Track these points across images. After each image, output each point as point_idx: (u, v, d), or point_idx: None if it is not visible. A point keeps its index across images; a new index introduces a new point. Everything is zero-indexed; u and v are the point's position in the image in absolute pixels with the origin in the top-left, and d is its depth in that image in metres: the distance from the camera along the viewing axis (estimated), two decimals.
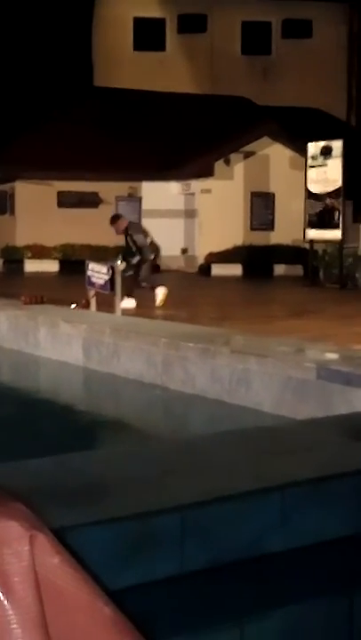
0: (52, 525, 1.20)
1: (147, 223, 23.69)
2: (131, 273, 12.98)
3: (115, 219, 13.99)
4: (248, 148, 23.46)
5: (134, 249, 13.37)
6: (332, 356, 6.15)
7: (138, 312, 11.52)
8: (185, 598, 2.48)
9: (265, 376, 5.86)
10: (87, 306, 11.29)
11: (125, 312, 11.17)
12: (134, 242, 13.43)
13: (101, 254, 19.54)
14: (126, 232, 13.60)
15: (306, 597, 2.53)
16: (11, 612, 0.97)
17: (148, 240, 13.72)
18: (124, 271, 12.39)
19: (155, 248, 13.94)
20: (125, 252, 13.60)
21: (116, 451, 4.25)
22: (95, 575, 1.16)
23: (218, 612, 2.41)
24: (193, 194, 23.82)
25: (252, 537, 2.74)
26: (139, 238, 13.47)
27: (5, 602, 0.97)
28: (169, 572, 2.55)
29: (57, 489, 2.74)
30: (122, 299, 11.67)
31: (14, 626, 0.97)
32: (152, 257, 13.73)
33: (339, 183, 18.82)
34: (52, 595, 1.00)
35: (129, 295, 12.93)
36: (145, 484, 2.87)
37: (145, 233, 13.93)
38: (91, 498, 2.67)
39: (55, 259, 22.89)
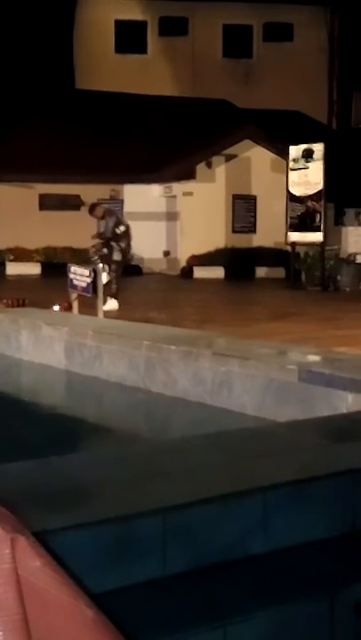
0: (34, 528, 1.20)
1: None
2: (113, 275, 13.01)
3: (93, 206, 14.27)
4: (230, 150, 23.51)
5: (109, 233, 13.52)
6: (314, 358, 6.17)
7: (120, 315, 11.52)
8: (167, 601, 2.48)
9: (247, 378, 5.87)
10: (69, 308, 11.27)
11: (108, 314, 11.16)
12: (106, 227, 13.63)
13: (83, 257, 19.51)
14: (104, 216, 13.78)
15: (288, 599, 2.54)
16: None
17: (122, 228, 13.82)
18: (112, 269, 12.45)
19: (128, 237, 13.98)
20: (99, 235, 13.72)
21: (98, 453, 4.24)
22: (77, 578, 1.16)
23: (200, 614, 2.41)
24: (175, 196, 23.84)
25: (234, 539, 2.74)
26: (112, 222, 13.70)
27: None
28: (151, 575, 2.55)
29: (38, 492, 2.73)
30: (105, 300, 11.69)
31: None
32: (124, 245, 13.79)
33: (320, 186, 18.90)
34: (33, 597, 1.00)
35: (112, 296, 12.95)
36: (127, 486, 2.87)
37: (120, 220, 14.09)
38: (72, 501, 2.66)
39: (37, 261, 22.84)
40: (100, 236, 13.77)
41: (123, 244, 13.65)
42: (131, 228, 13.98)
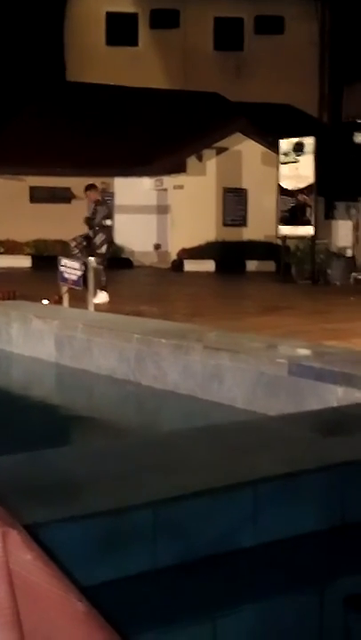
0: (25, 521, 1.21)
1: (119, 219, 23.74)
2: (101, 266, 12.96)
3: (91, 186, 14.19)
4: (220, 144, 23.49)
5: (97, 222, 13.48)
6: (304, 351, 6.19)
7: (110, 308, 11.52)
8: (158, 594, 2.49)
9: (237, 372, 5.88)
10: (60, 301, 11.26)
11: (99, 307, 11.16)
12: (95, 215, 13.55)
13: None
14: (96, 204, 13.69)
15: (277, 592, 2.55)
16: None
17: (109, 222, 13.83)
18: (98, 262, 12.39)
19: (111, 232, 14.01)
20: (87, 220, 13.66)
21: (89, 447, 4.25)
22: (68, 571, 1.17)
23: (190, 607, 2.42)
24: (165, 189, 23.82)
25: (224, 532, 2.75)
26: (103, 212, 13.65)
27: None
28: (142, 568, 2.56)
29: (29, 485, 2.74)
30: (95, 293, 11.67)
31: None
32: (108, 238, 13.79)
33: (311, 179, 18.92)
34: (25, 591, 1.00)
35: (102, 288, 12.93)
36: (117, 479, 2.88)
37: (109, 214, 14.09)
38: (63, 494, 2.67)
39: (27, 254, 22.80)
40: (87, 221, 13.71)
41: (107, 237, 13.65)
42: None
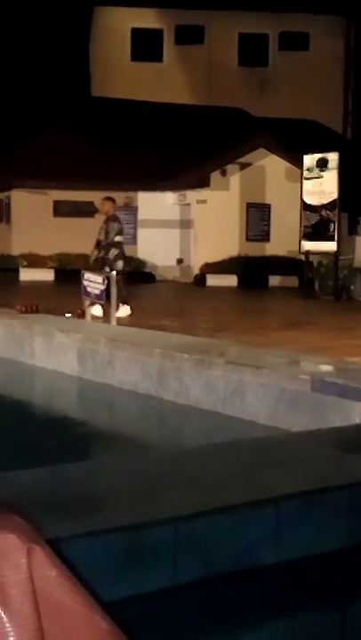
0: (48, 536, 1.21)
1: (143, 233, 23.79)
2: (120, 282, 12.82)
3: (109, 198, 13.91)
4: (244, 159, 23.52)
5: (110, 239, 13.26)
6: (327, 367, 6.16)
7: (132, 322, 11.53)
8: (179, 610, 2.48)
9: (259, 387, 5.87)
10: (82, 315, 11.29)
11: (121, 321, 11.17)
12: (108, 232, 13.34)
13: (97, 264, 19.54)
14: (109, 219, 13.42)
15: (299, 609, 2.54)
16: (8, 625, 0.98)
17: (120, 238, 13.60)
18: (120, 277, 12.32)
19: (122, 248, 13.81)
20: (100, 243, 13.41)
21: (111, 462, 4.25)
22: (89, 586, 1.17)
23: (212, 623, 2.41)
24: (189, 204, 23.86)
25: (245, 549, 2.74)
26: (114, 229, 13.43)
27: (3, 614, 0.98)
28: (163, 584, 2.55)
29: (52, 500, 2.74)
30: (117, 307, 11.63)
31: (12, 639, 0.97)
32: (122, 255, 13.60)
33: (334, 195, 18.88)
34: (49, 607, 1.00)
35: (124, 302, 12.89)
36: (139, 495, 2.87)
37: (122, 229, 13.83)
38: (85, 509, 2.67)
39: (50, 268, 22.89)
40: (98, 244, 13.49)
41: (120, 251, 13.52)
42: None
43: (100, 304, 11.16)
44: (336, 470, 3.28)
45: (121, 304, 12.35)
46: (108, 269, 12.58)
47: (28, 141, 24.40)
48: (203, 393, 6.34)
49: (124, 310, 12.53)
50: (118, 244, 13.52)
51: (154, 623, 2.36)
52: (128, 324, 10.68)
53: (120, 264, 13.31)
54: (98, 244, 13.49)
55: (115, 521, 2.58)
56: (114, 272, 11.62)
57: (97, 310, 11.78)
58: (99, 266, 13.21)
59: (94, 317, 11.16)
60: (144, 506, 2.75)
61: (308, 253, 19.51)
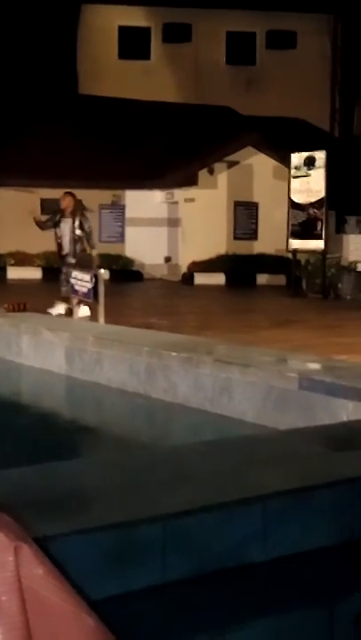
0: (35, 534, 1.21)
1: (130, 231, 23.76)
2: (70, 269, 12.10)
3: (67, 194, 13.20)
4: (232, 157, 23.53)
5: (80, 233, 12.62)
6: (315, 366, 6.18)
7: (120, 320, 11.51)
8: (167, 608, 2.48)
9: (247, 385, 5.87)
10: (70, 314, 11.27)
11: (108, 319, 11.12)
12: (82, 226, 12.63)
13: (84, 262, 19.49)
14: (74, 214, 12.80)
15: (287, 607, 2.54)
16: None
17: (90, 230, 12.97)
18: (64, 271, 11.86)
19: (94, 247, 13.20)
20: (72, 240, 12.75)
21: (99, 460, 4.24)
22: (77, 584, 1.17)
23: (200, 621, 2.41)
24: (176, 202, 23.86)
25: (233, 547, 2.74)
26: (87, 222, 12.79)
27: None
28: (151, 582, 2.55)
29: (38, 498, 2.73)
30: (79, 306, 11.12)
31: None
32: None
33: (322, 193, 18.92)
34: (36, 605, 1.00)
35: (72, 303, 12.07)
36: (127, 493, 2.87)
37: (90, 226, 13.06)
38: (73, 507, 2.67)
39: (38, 266, 22.84)
40: (77, 240, 12.81)
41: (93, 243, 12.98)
42: None
43: (87, 303, 11.05)
44: (324, 468, 3.28)
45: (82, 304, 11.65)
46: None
47: (15, 139, 24.33)
48: (191, 391, 6.34)
49: (85, 311, 11.74)
50: (90, 235, 12.99)
51: (142, 621, 2.36)
52: (116, 323, 10.66)
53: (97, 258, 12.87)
54: (74, 240, 12.80)
55: (102, 519, 2.57)
56: (102, 270, 11.55)
57: (85, 311, 11.43)
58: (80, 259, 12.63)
59: (81, 318, 11.04)
60: (132, 504, 2.75)
61: (295, 252, 19.55)
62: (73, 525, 2.49)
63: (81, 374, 7.59)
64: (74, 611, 1.04)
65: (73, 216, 12.89)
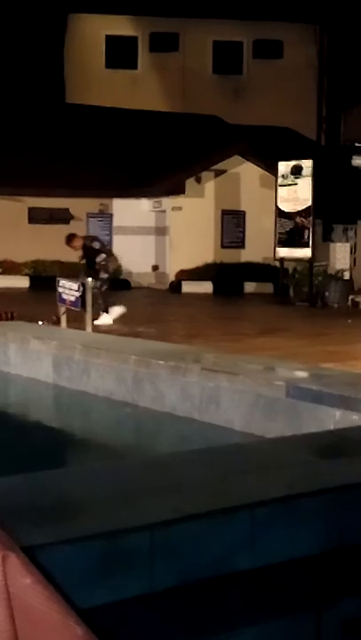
0: (22, 543, 1.21)
1: (118, 240, 23.78)
2: (106, 287, 13.18)
3: (69, 238, 14.19)
4: (219, 166, 23.60)
5: (102, 260, 13.61)
6: (302, 374, 6.19)
7: (108, 329, 11.51)
8: (155, 616, 2.48)
9: (235, 394, 5.88)
10: (58, 322, 11.27)
11: (96, 328, 11.16)
12: (96, 253, 13.68)
13: (72, 271, 19.49)
14: (85, 247, 13.72)
15: (275, 616, 2.55)
16: None
17: (106, 249, 14.10)
18: (97, 286, 12.60)
19: (114, 259, 14.23)
20: (89, 267, 13.71)
21: (86, 468, 4.24)
22: (65, 593, 1.17)
23: (187, 630, 2.42)
24: (164, 211, 23.89)
25: (221, 555, 2.75)
26: (97, 246, 13.84)
27: None
28: (139, 591, 2.55)
29: (26, 507, 2.73)
30: (99, 314, 11.97)
31: None
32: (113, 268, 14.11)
33: (309, 202, 18.99)
34: (23, 614, 1.00)
35: (106, 310, 13.10)
36: (114, 502, 2.87)
37: (103, 245, 14.26)
38: (60, 516, 2.66)
39: (25, 275, 22.81)
40: (103, 267, 13.73)
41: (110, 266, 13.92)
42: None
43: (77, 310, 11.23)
44: (311, 476, 3.29)
45: (103, 312, 12.70)
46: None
47: (2, 148, 24.32)
48: (178, 399, 6.34)
49: (107, 318, 12.90)
50: (109, 258, 13.99)
51: (130, 630, 2.36)
52: (104, 332, 10.67)
53: (104, 274, 13.65)
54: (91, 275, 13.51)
55: (90, 528, 2.57)
56: (89, 279, 11.64)
57: (106, 319, 12.26)
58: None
59: (96, 327, 11.42)
60: (119, 513, 2.75)
61: (282, 260, 19.61)
62: (61, 534, 2.49)
63: (68, 383, 7.58)
64: (62, 620, 1.04)
65: (85, 251, 13.87)
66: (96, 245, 13.87)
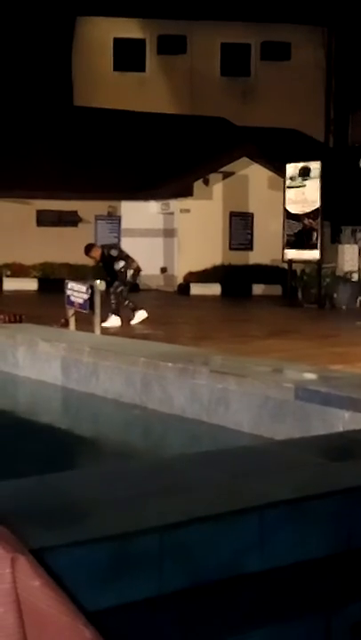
0: (31, 546, 1.21)
1: (126, 242, 23.80)
2: (121, 289, 13.32)
3: (88, 248, 14.37)
4: (227, 168, 23.59)
5: (121, 267, 13.79)
6: (311, 376, 6.18)
7: (116, 331, 11.52)
8: (164, 619, 2.48)
9: (243, 396, 5.87)
10: (66, 325, 11.28)
11: (105, 330, 11.17)
12: (114, 260, 13.83)
13: (80, 273, 19.53)
14: (104, 256, 13.94)
15: (284, 619, 2.54)
16: None
17: (124, 255, 14.21)
18: (114, 287, 12.81)
19: (134, 264, 14.30)
20: (109, 275, 13.87)
21: (95, 471, 4.24)
22: (74, 596, 1.17)
23: (196, 633, 2.41)
24: (172, 213, 23.89)
25: (230, 557, 2.74)
26: (115, 253, 13.98)
27: None
28: (148, 593, 2.55)
29: (35, 509, 2.73)
30: (108, 316, 12.02)
31: None
32: (135, 272, 14.29)
33: (317, 204, 18.97)
34: (33, 617, 1.00)
35: (115, 313, 13.17)
36: (123, 504, 2.87)
37: (121, 251, 14.36)
38: (69, 518, 2.66)
39: (34, 277, 22.85)
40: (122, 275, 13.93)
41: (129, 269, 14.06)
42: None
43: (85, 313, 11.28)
44: (320, 478, 3.29)
45: (112, 314, 12.87)
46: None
47: (11, 151, 24.37)
48: (187, 402, 6.34)
49: (116, 320, 13.05)
50: (129, 263, 14.14)
51: (138, 632, 2.36)
52: (112, 334, 10.68)
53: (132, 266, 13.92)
54: (109, 283, 13.84)
55: (99, 531, 2.57)
56: (98, 281, 11.67)
57: (115, 321, 12.40)
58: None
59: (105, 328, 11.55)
60: (128, 515, 2.75)
61: (291, 262, 19.59)
62: (69, 537, 2.49)
63: (77, 385, 7.58)
64: (71, 622, 1.04)
65: (103, 259, 14.12)
66: (114, 253, 13.98)
